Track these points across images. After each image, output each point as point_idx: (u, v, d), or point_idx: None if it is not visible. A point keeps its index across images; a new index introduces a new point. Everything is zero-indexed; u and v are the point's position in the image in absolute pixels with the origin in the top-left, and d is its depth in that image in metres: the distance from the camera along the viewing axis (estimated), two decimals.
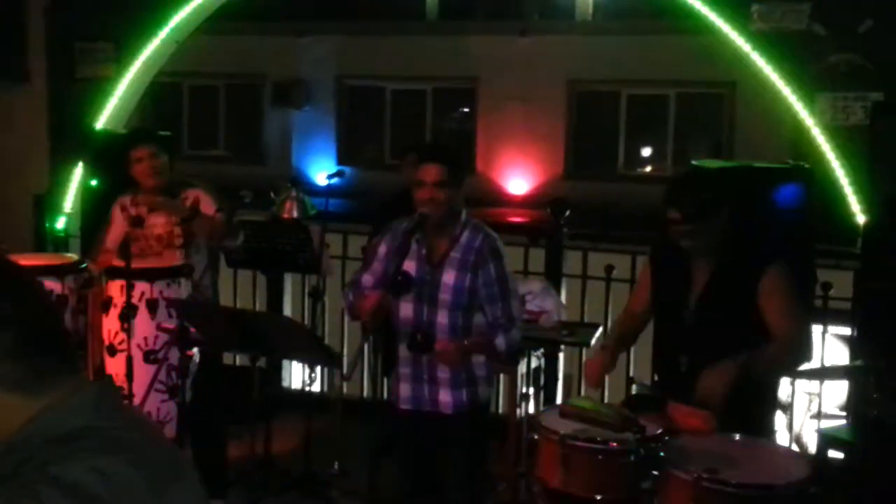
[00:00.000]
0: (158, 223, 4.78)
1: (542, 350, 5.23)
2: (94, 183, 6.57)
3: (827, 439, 4.52)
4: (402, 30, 14.08)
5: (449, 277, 3.71)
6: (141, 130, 6.02)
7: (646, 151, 14.15)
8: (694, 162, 5.44)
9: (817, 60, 5.92)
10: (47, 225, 7.31)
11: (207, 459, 4.94)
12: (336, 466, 5.44)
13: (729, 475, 2.86)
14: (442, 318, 3.73)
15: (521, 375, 5.07)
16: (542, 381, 5.44)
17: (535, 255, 6.15)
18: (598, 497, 3.16)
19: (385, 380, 4.08)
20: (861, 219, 5.74)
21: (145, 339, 4.53)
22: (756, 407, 3.54)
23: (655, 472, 3.01)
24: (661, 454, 3.03)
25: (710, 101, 13.21)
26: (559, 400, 5.48)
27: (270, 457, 5.24)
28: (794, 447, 5.33)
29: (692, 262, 3.53)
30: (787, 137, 6.91)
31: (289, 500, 5.06)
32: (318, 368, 6.37)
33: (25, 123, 7.64)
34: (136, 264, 4.46)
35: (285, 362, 6.91)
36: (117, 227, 4.87)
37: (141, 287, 4.51)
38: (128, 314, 4.44)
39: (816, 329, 5.35)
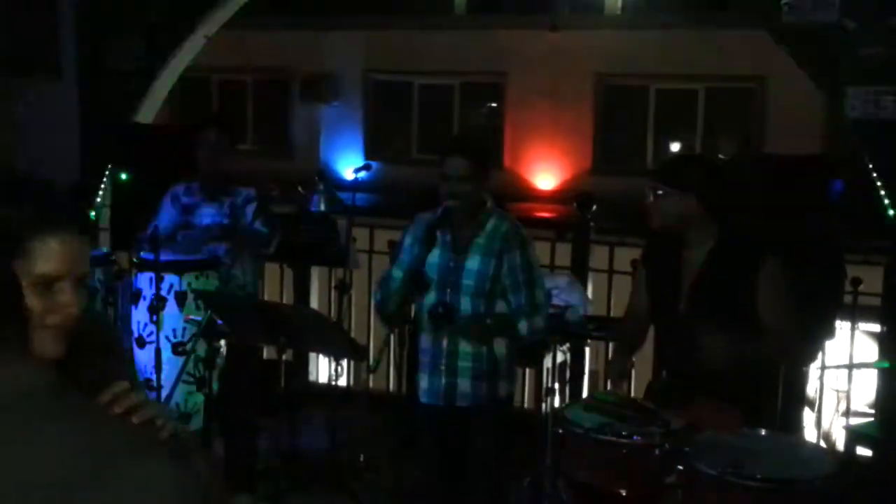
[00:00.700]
0: (208, 213, 4.80)
1: (567, 344, 5.23)
2: (124, 176, 6.63)
3: (854, 436, 4.49)
4: (430, 24, 14.08)
5: (473, 263, 3.74)
6: (213, 115, 6.05)
7: (674, 146, 14.07)
8: (722, 156, 5.41)
9: (847, 54, 5.86)
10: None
11: (237, 452, 4.99)
12: (362, 459, 5.46)
13: (754, 470, 2.85)
14: (465, 304, 3.75)
15: (547, 370, 5.06)
16: (567, 376, 5.44)
17: (561, 250, 6.15)
18: (623, 491, 3.16)
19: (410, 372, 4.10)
20: (892, 213, 5.68)
21: (174, 330, 4.57)
22: (782, 403, 3.53)
23: (680, 467, 3.00)
24: (686, 449, 3.01)
25: (740, 95, 13.12)
26: (585, 394, 5.47)
27: (296, 450, 5.27)
28: (823, 444, 5.29)
29: (683, 256, 3.52)
30: (818, 132, 6.85)
31: (314, 492, 5.09)
32: (345, 362, 6.40)
33: (57, 117, 7.71)
34: (165, 255, 4.49)
35: (312, 356, 6.95)
36: (166, 216, 4.87)
37: (170, 279, 4.55)
38: (157, 306, 4.47)
39: (846, 325, 5.33)
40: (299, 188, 6.12)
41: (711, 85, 13.16)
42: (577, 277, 5.60)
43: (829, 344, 5.09)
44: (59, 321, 1.57)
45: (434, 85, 14.64)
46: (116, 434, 1.41)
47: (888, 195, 5.68)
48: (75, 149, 7.69)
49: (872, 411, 5.55)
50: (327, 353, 5.82)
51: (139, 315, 4.65)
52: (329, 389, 5.76)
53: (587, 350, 5.82)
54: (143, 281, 4.64)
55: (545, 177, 13.79)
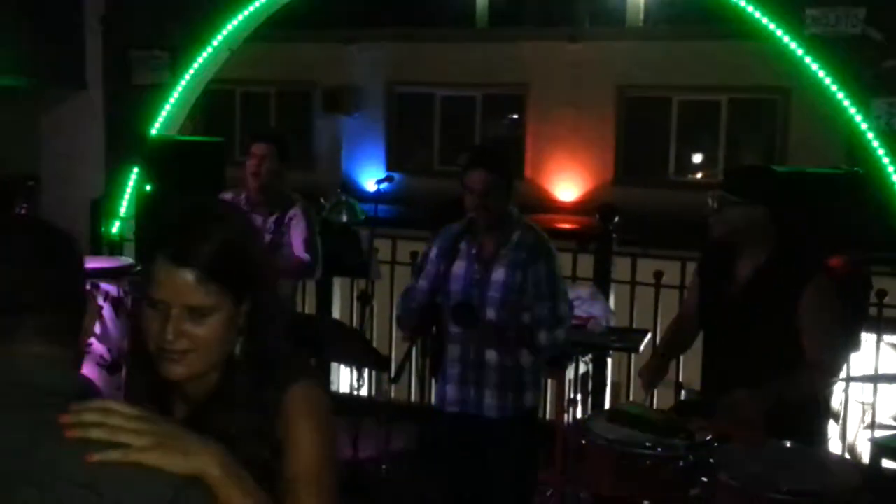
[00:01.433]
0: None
1: (590, 356, 5.22)
2: (148, 188, 6.68)
3: (880, 448, 4.44)
4: (452, 36, 14.13)
5: (499, 275, 3.74)
6: (265, 129, 6.08)
7: (697, 158, 14.02)
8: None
9: (872, 65, 5.83)
10: (103, 229, 7.44)
11: None
12: (383, 469, 5.46)
13: (779, 482, 2.83)
14: (491, 315, 3.74)
15: (569, 381, 5.05)
16: (590, 387, 5.42)
17: (583, 261, 6.14)
18: (646, 503, 3.15)
19: (433, 382, 4.10)
20: None
21: None
22: (807, 415, 3.50)
23: (705, 479, 2.99)
24: (711, 460, 3.00)
25: (763, 106, 13.08)
26: (607, 406, 5.45)
27: None
28: (847, 457, 5.25)
29: (736, 266, 3.51)
30: (842, 143, 6.81)
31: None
32: (367, 372, 6.41)
33: (82, 129, 7.79)
34: None
35: (334, 366, 6.96)
36: None
37: None
38: None
39: (871, 338, 5.29)
40: (321, 199, 6.15)
41: (734, 96, 13.11)
42: (600, 289, 5.59)
43: (854, 356, 5.05)
44: (152, 347, 1.64)
45: (456, 97, 14.67)
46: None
47: None
48: (100, 161, 7.76)
49: None
50: (349, 363, 5.83)
51: None
52: (351, 399, 5.76)
53: (609, 361, 5.80)
54: None
55: (567, 188, 13.78)
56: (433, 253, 3.93)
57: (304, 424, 1.71)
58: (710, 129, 13.44)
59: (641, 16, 14.07)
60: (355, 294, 6.05)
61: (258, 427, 1.67)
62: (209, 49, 7.48)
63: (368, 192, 10.53)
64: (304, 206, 4.83)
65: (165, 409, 1.72)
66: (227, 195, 4.95)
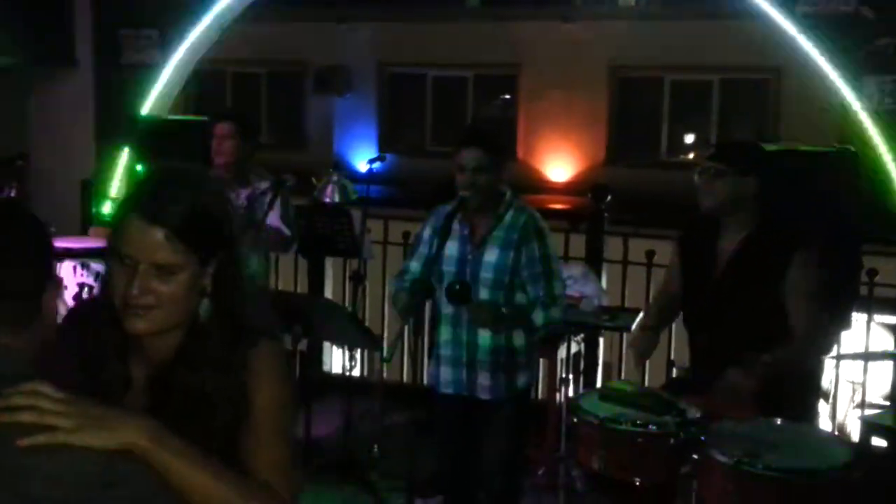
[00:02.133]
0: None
1: (582, 335, 5.23)
2: (139, 168, 6.65)
3: (870, 426, 4.47)
4: (444, 16, 14.06)
5: (491, 255, 3.73)
6: (227, 109, 6.10)
7: (689, 138, 14.01)
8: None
9: (865, 44, 5.82)
10: (94, 209, 7.41)
11: None
12: (376, 449, 5.47)
13: (770, 460, 2.84)
14: (483, 295, 3.74)
15: (561, 360, 5.07)
16: (581, 366, 5.44)
17: (575, 241, 6.14)
18: (638, 480, 3.16)
19: (425, 362, 4.11)
20: None
21: None
22: (798, 392, 3.52)
23: (695, 456, 3.00)
24: (702, 438, 3.01)
25: (755, 86, 13.06)
26: (599, 384, 5.47)
27: (311, 440, 5.28)
28: (838, 435, 5.28)
29: (718, 240, 3.52)
30: (834, 122, 6.81)
31: (328, 482, 5.10)
32: (359, 353, 6.41)
33: (72, 109, 7.74)
34: None
35: (326, 347, 6.96)
36: None
37: None
38: None
39: (861, 317, 5.30)
40: (313, 180, 6.13)
41: (726, 76, 13.10)
42: (592, 268, 5.60)
43: (844, 335, 5.07)
44: (118, 302, 1.70)
45: (448, 77, 14.62)
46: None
47: None
48: (89, 139, 7.72)
49: (888, 403, 5.53)
50: (341, 344, 5.83)
51: None
52: (343, 379, 5.76)
53: (601, 341, 5.82)
54: None
55: (559, 168, 13.77)
56: (426, 233, 3.93)
57: (268, 378, 1.78)
58: (702, 109, 13.43)
59: None
60: (347, 274, 6.04)
61: (227, 385, 1.74)
62: (199, 28, 7.44)
63: (360, 173, 10.51)
64: (274, 181, 4.86)
65: (127, 366, 1.79)
66: None
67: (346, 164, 13.18)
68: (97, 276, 4.77)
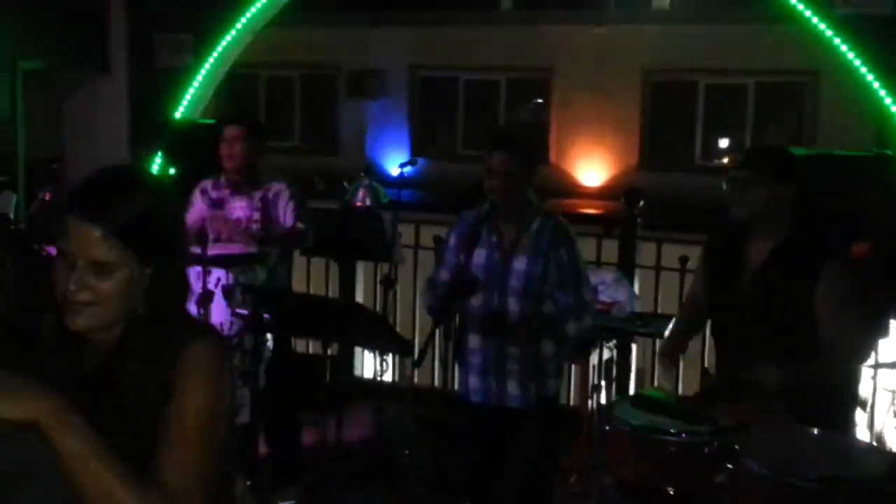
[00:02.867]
0: (238, 206, 4.87)
1: (614, 341, 5.18)
2: (172, 171, 6.69)
3: None
4: (476, 20, 14.06)
5: (520, 264, 3.70)
6: (235, 112, 6.12)
7: (723, 142, 13.90)
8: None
9: None
10: None
11: (282, 446, 5.01)
12: (406, 454, 5.46)
13: (805, 469, 2.79)
14: (513, 305, 3.71)
15: (593, 367, 5.02)
16: (614, 373, 5.38)
17: (608, 246, 6.10)
18: (671, 490, 3.11)
19: (456, 367, 4.08)
20: None
21: (220, 325, 4.58)
22: (834, 402, 3.46)
23: (730, 465, 2.95)
24: (736, 447, 2.96)
25: (791, 90, 12.93)
26: (632, 392, 5.42)
27: (341, 444, 5.28)
28: (875, 444, 5.19)
29: (747, 249, 3.45)
30: (872, 126, 6.72)
31: (359, 487, 5.10)
32: (390, 358, 6.40)
33: (107, 113, 7.81)
34: (212, 250, 4.52)
35: (358, 353, 6.96)
36: (196, 210, 4.97)
37: (217, 273, 4.57)
38: (203, 300, 4.50)
39: None
40: (345, 183, 6.14)
41: (762, 80, 12.97)
42: (624, 274, 5.55)
43: (882, 343, 4.99)
44: (59, 297, 1.74)
45: (480, 81, 14.61)
46: None
47: None
48: (124, 143, 7.78)
49: None
50: (372, 348, 5.83)
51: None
52: (374, 384, 5.76)
53: (634, 347, 5.77)
54: (190, 275, 4.66)
55: (592, 173, 13.71)
56: (452, 241, 3.91)
57: (195, 380, 1.77)
58: (736, 114, 13.32)
59: None
60: (378, 278, 6.04)
61: (152, 382, 1.75)
62: (233, 32, 7.48)
63: (393, 177, 10.52)
64: (286, 181, 4.88)
65: (77, 358, 1.82)
66: (208, 182, 4.98)
67: (378, 168, 13.17)
68: None
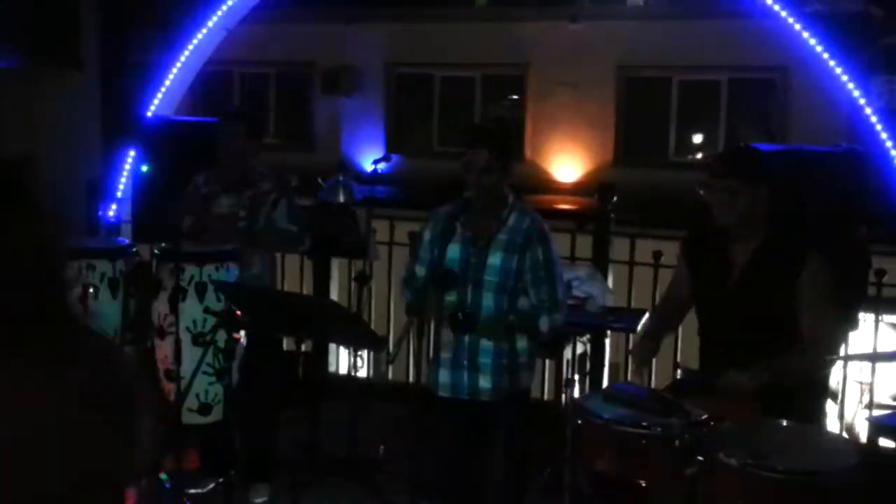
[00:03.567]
0: (226, 203, 4.83)
1: (588, 336, 5.20)
2: (145, 168, 6.65)
3: (877, 428, 4.43)
4: (452, 17, 14.05)
5: (496, 259, 3.71)
6: (234, 109, 6.08)
7: (697, 138, 13.97)
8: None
9: (873, 42, 5.79)
10: (100, 210, 7.42)
11: (256, 442, 5.00)
12: (381, 450, 5.46)
13: (776, 461, 2.81)
14: (487, 300, 3.72)
15: (567, 361, 5.03)
16: (587, 367, 5.40)
17: (582, 242, 6.12)
18: (643, 482, 3.13)
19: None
20: None
21: (194, 321, 4.56)
22: (804, 393, 3.49)
23: (701, 458, 2.97)
24: (707, 440, 2.98)
25: (764, 86, 13.01)
26: (605, 386, 5.44)
27: (316, 441, 5.27)
28: (845, 436, 5.24)
29: (728, 250, 3.48)
30: (842, 122, 6.78)
31: (334, 483, 5.09)
32: (365, 354, 6.39)
33: (78, 110, 7.74)
34: (194, 245, 4.49)
35: (332, 349, 6.95)
36: (192, 204, 4.93)
37: (190, 270, 4.55)
38: (176, 297, 4.47)
39: (869, 318, 5.27)
40: (319, 180, 6.12)
41: (735, 76, 13.05)
42: (598, 269, 5.57)
43: (852, 335, 5.04)
44: None
45: (455, 77, 14.60)
46: None
47: None
48: (96, 140, 7.72)
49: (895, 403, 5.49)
50: (346, 344, 5.82)
51: (160, 306, 4.65)
52: (348, 380, 5.75)
53: (607, 341, 5.79)
54: (164, 272, 4.65)
55: (567, 169, 13.74)
56: (426, 236, 3.91)
57: None
58: (710, 109, 13.39)
59: None
60: (353, 275, 6.03)
61: None
62: (205, 29, 7.44)
63: (367, 173, 10.51)
64: (281, 181, 4.84)
65: None
66: (201, 177, 4.95)
67: (353, 165, 13.19)
68: (102, 276, 4.75)
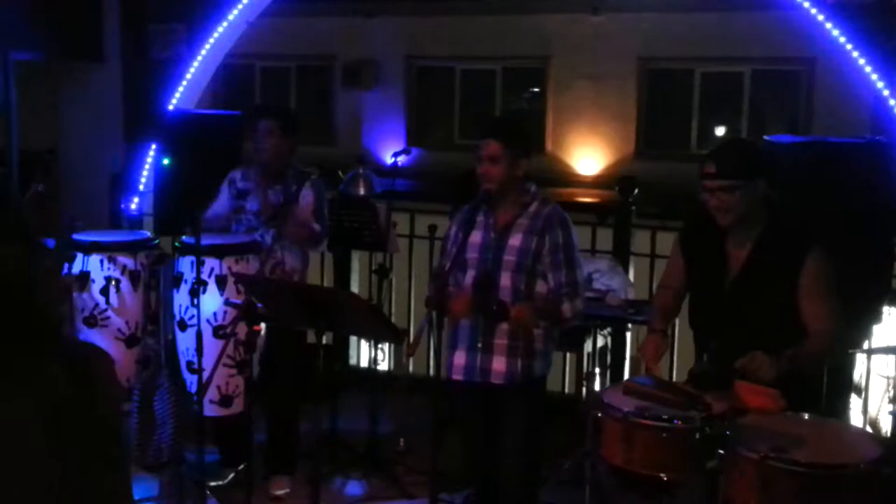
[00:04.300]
0: (260, 199, 4.85)
1: (608, 329, 5.19)
2: (167, 162, 6.68)
3: None
4: (472, 9, 14.00)
5: (515, 240, 3.75)
6: (268, 105, 6.09)
7: (719, 131, 13.88)
8: (767, 138, 5.31)
9: None
10: (122, 203, 7.46)
11: (277, 435, 5.02)
12: (401, 443, 5.47)
13: (797, 454, 2.80)
14: (505, 280, 3.74)
15: (588, 354, 5.03)
16: (608, 360, 5.40)
17: (602, 235, 6.10)
18: (663, 476, 3.13)
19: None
20: None
21: (214, 314, 4.59)
22: (828, 388, 3.47)
23: (721, 451, 2.96)
24: (728, 433, 2.97)
25: (787, 78, 12.90)
26: (626, 379, 5.43)
27: (337, 433, 5.29)
28: (869, 430, 5.20)
29: (727, 243, 3.46)
30: (866, 114, 6.72)
31: (354, 475, 5.11)
32: (386, 347, 6.41)
33: (101, 104, 7.79)
34: (207, 239, 4.51)
35: (353, 341, 6.97)
36: (223, 199, 4.95)
37: (210, 263, 4.57)
38: (197, 290, 4.50)
39: (894, 311, 5.21)
40: (339, 173, 6.13)
41: (758, 67, 12.95)
42: (619, 261, 5.55)
43: (876, 329, 5.00)
44: None
45: (476, 70, 14.57)
46: None
47: None
48: (118, 134, 7.77)
49: None
50: (367, 337, 5.83)
51: (181, 298, 4.69)
52: (369, 373, 5.76)
53: (628, 335, 5.77)
54: (185, 264, 4.67)
55: (588, 161, 13.69)
56: (453, 231, 3.95)
57: None
58: (733, 101, 13.29)
59: None
60: (373, 267, 6.04)
61: None
62: (226, 22, 7.45)
63: (388, 166, 10.52)
64: (315, 180, 4.83)
65: None
66: (237, 172, 4.98)
67: (374, 158, 13.20)
68: (124, 269, 4.78)
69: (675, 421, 3.08)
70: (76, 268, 4.71)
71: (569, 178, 13.24)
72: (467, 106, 14.57)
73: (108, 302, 4.72)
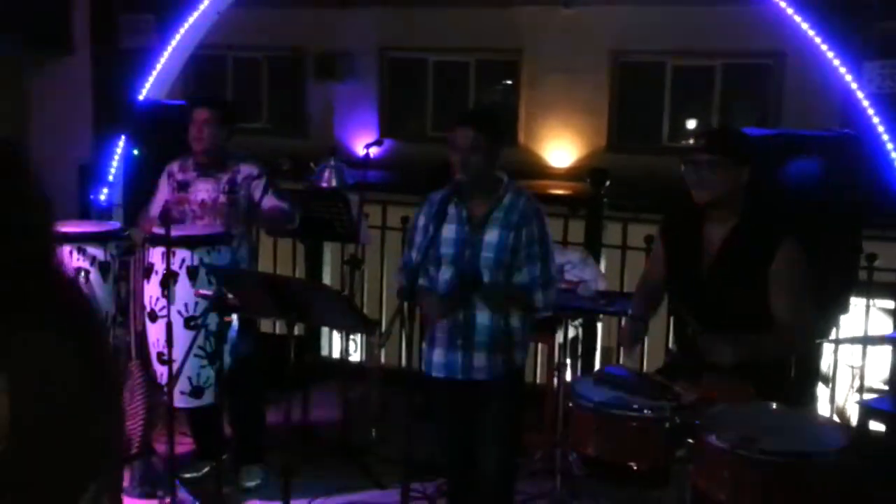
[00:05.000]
0: (203, 189, 4.84)
1: (580, 320, 5.22)
2: (136, 153, 6.63)
3: (868, 411, 4.46)
4: (445, 1, 13.99)
5: (492, 236, 3.72)
6: (205, 94, 6.07)
7: (691, 124, 13.96)
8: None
9: (866, 27, 5.79)
10: (91, 194, 7.40)
11: (246, 425, 5.01)
12: (373, 434, 5.47)
13: (765, 443, 2.82)
14: (484, 276, 3.73)
15: (559, 345, 5.05)
16: (579, 351, 5.43)
17: (574, 226, 6.12)
18: (634, 465, 3.15)
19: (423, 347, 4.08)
20: None
21: (185, 305, 4.56)
22: (796, 378, 3.51)
23: (690, 440, 2.99)
24: (697, 422, 3.00)
25: (758, 71, 12.99)
26: (597, 369, 5.46)
27: (308, 424, 5.28)
28: (836, 420, 5.27)
29: (705, 230, 3.50)
30: (836, 107, 6.78)
31: (326, 467, 5.11)
32: (357, 338, 6.40)
33: (69, 94, 7.72)
34: (177, 230, 4.49)
35: (325, 332, 6.96)
36: (163, 193, 4.95)
37: (182, 254, 4.55)
38: (168, 281, 4.47)
39: (860, 302, 5.28)
40: (311, 165, 6.11)
41: (729, 61, 13.03)
42: (591, 253, 5.58)
43: (843, 320, 5.05)
44: None
45: (449, 62, 14.56)
46: None
47: None
48: (87, 124, 7.70)
49: (887, 388, 5.51)
50: (339, 328, 5.83)
51: (151, 289, 4.65)
52: (341, 364, 5.76)
53: (599, 325, 5.80)
54: (156, 255, 4.64)
55: (560, 154, 13.73)
56: (420, 222, 3.90)
57: None
58: (704, 95, 13.37)
59: None
60: (345, 258, 6.03)
61: None
62: (196, 12, 7.40)
63: (360, 157, 10.49)
64: (256, 164, 4.86)
65: None
66: (175, 164, 4.96)
67: (346, 150, 13.15)
68: (93, 260, 4.75)
69: (645, 410, 3.10)
70: None
71: (541, 171, 13.27)
72: (440, 98, 14.56)
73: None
